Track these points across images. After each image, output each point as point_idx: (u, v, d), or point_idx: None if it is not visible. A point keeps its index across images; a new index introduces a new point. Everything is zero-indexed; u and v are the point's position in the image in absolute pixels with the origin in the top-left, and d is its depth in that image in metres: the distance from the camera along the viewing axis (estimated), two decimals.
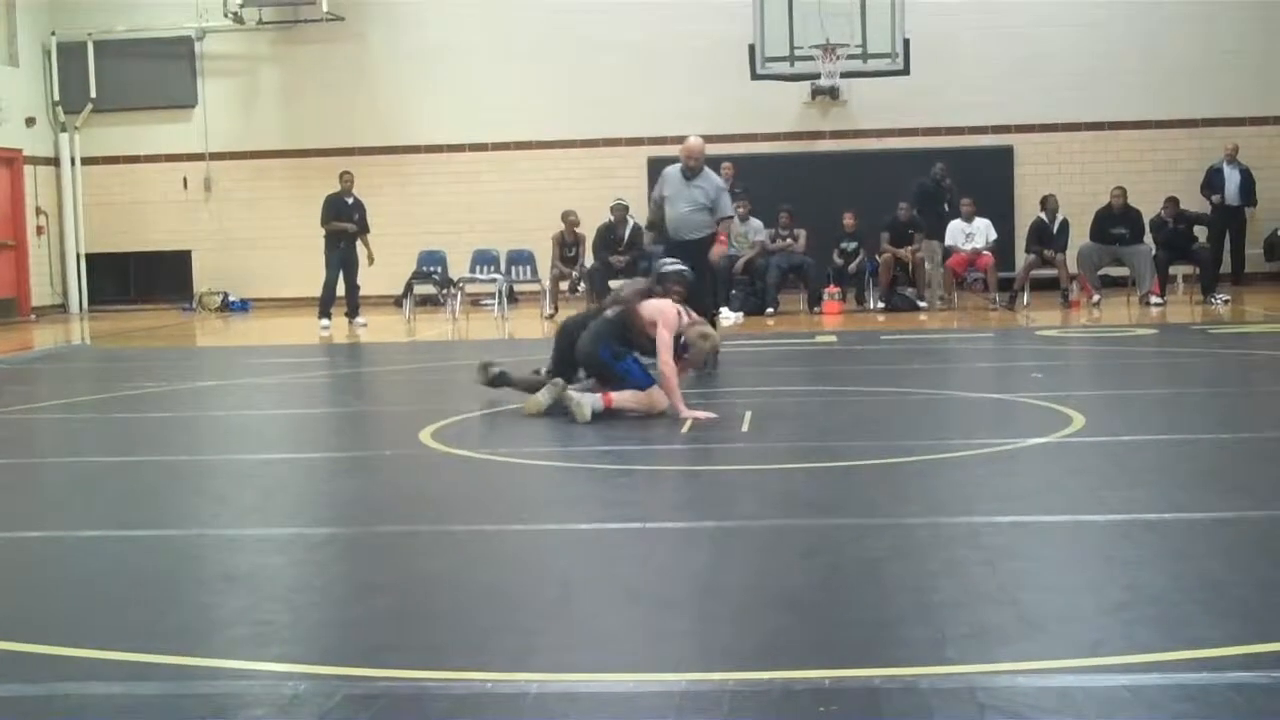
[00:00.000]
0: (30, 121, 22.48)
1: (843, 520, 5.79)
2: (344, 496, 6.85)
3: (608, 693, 3.70)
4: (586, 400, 8.50)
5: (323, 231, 18.38)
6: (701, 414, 8.48)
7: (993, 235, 19.07)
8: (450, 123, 22.23)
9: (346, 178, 18.55)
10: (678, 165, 12.53)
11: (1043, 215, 19.01)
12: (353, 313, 18.24)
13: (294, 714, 3.60)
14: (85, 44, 22.64)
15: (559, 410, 8.58)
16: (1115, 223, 18.52)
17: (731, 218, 12.94)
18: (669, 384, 8.56)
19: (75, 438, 9.25)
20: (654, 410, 8.61)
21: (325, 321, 17.91)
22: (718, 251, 12.12)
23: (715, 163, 20.86)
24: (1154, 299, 17.91)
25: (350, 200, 18.42)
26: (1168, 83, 21.32)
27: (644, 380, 8.65)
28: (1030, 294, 18.64)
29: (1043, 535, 5.52)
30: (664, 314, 8.83)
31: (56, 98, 22.89)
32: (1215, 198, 20.36)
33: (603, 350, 8.80)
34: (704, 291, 11.38)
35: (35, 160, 22.57)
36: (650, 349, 8.78)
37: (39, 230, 22.59)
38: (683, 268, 9.89)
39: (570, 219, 19.28)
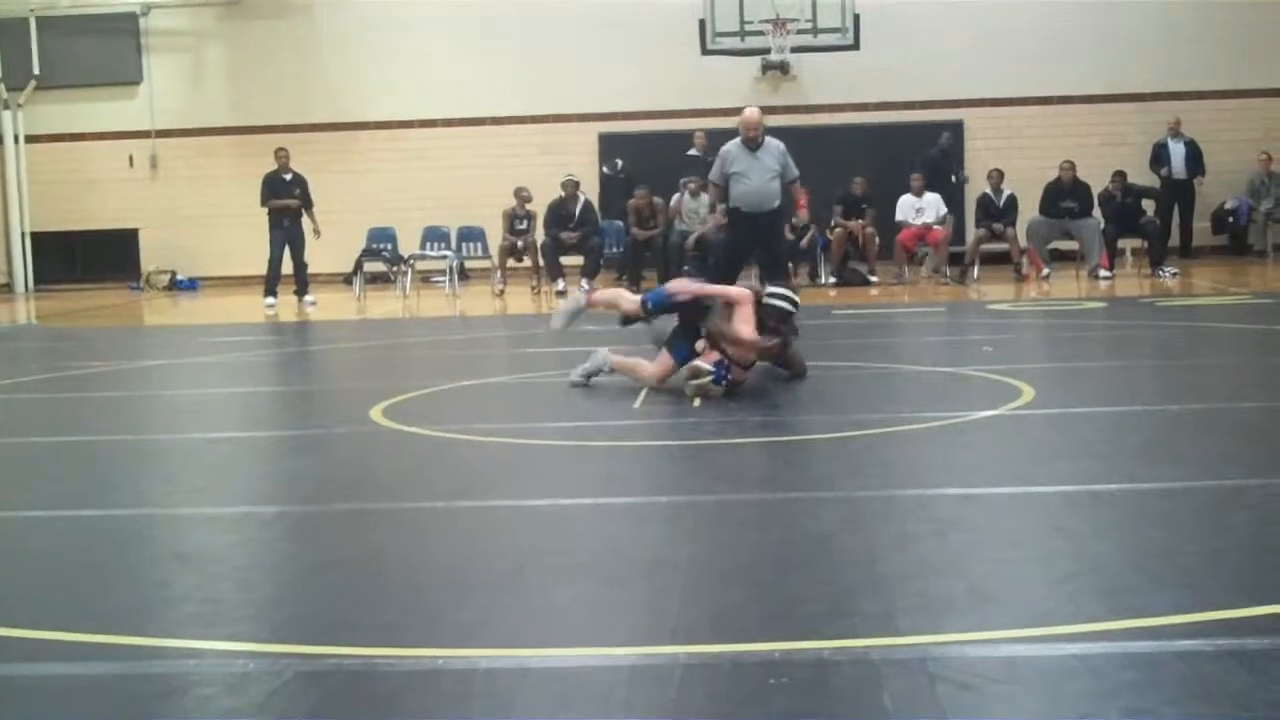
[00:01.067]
0: None
1: (794, 494, 5.81)
2: (294, 474, 6.82)
3: (558, 667, 3.70)
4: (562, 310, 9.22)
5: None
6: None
7: (943, 210, 19.13)
8: (400, 98, 22.10)
9: (281, 154, 18.40)
10: (736, 141, 12.35)
11: (988, 190, 19.12)
12: (302, 291, 18.12)
13: (244, 693, 3.58)
14: (28, 20, 22.32)
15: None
16: (1065, 196, 18.64)
17: (798, 177, 12.72)
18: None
19: (21, 418, 9.16)
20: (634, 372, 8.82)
21: (270, 300, 17.80)
22: (804, 214, 12.39)
23: (698, 137, 20.89)
24: (1103, 272, 18.04)
25: (289, 176, 18.27)
26: (1116, 58, 21.43)
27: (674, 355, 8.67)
28: (980, 268, 18.72)
29: (992, 507, 5.56)
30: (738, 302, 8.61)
31: None
32: (1163, 171, 20.51)
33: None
34: (780, 261, 12.16)
35: None
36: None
37: None
38: (786, 305, 8.84)
39: (522, 194, 19.22)
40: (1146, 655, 3.61)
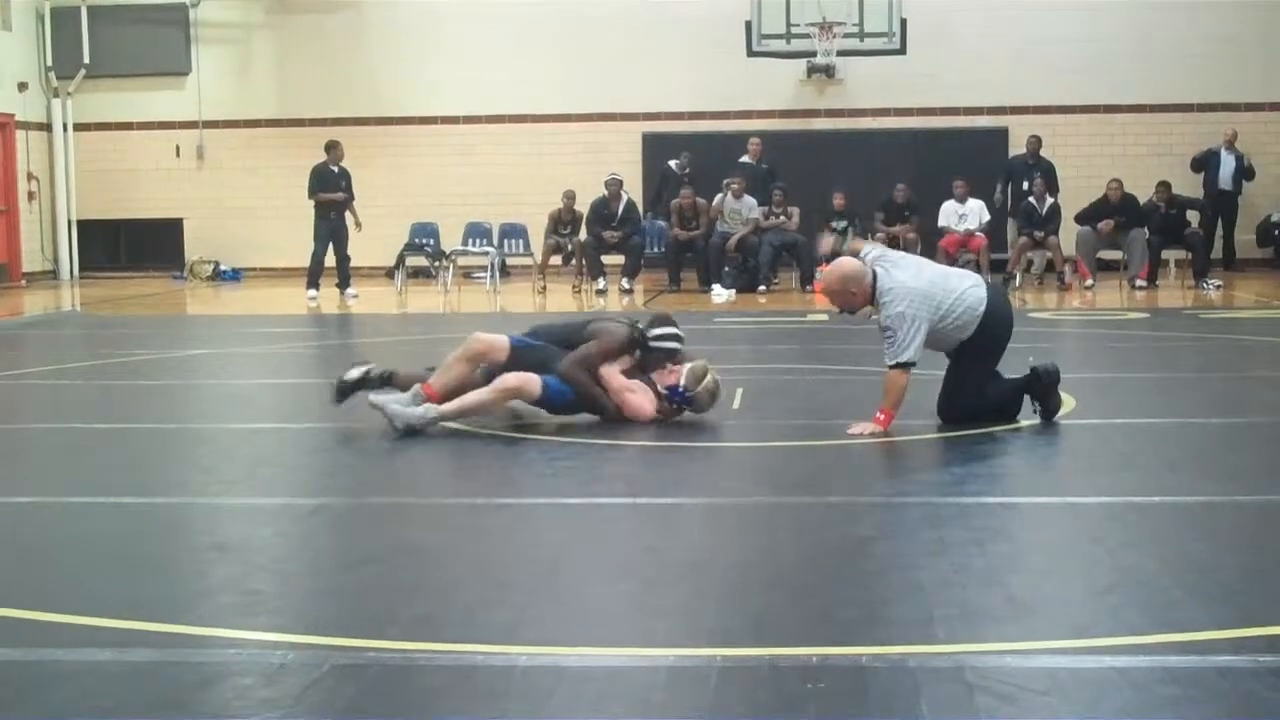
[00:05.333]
0: (23, 86, 22.35)
1: (833, 499, 5.79)
2: (334, 467, 6.84)
3: (596, 667, 3.71)
4: (405, 415, 7.34)
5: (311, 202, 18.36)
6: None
7: (986, 217, 19.06)
8: (445, 94, 22.15)
9: (337, 148, 18.47)
10: None
11: (1032, 199, 19.02)
12: (344, 284, 18.20)
13: (281, 683, 3.60)
14: (79, 9, 22.47)
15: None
16: (1112, 214, 18.48)
17: None
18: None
19: (64, 404, 9.23)
20: (494, 408, 7.60)
21: (313, 292, 17.88)
22: None
23: (731, 140, 20.87)
24: (1139, 282, 17.97)
25: (336, 170, 18.35)
26: (1164, 67, 21.27)
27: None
28: (1023, 276, 18.63)
29: (1032, 517, 5.54)
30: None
31: (49, 63, 22.75)
32: (1204, 151, 20.29)
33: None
34: None
35: (27, 125, 22.44)
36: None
37: (30, 196, 22.48)
38: (673, 345, 7.71)
39: (568, 199, 19.22)
40: (1187, 670, 3.58)
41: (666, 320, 7.86)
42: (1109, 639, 3.85)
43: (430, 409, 7.37)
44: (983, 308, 7.31)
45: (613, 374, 7.59)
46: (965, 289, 7.34)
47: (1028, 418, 7.56)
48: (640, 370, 7.68)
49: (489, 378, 7.53)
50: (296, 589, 4.62)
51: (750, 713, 3.40)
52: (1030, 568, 4.71)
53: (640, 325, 7.78)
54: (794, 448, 7.10)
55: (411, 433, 7.24)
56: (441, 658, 3.75)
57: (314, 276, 18.09)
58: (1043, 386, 7.46)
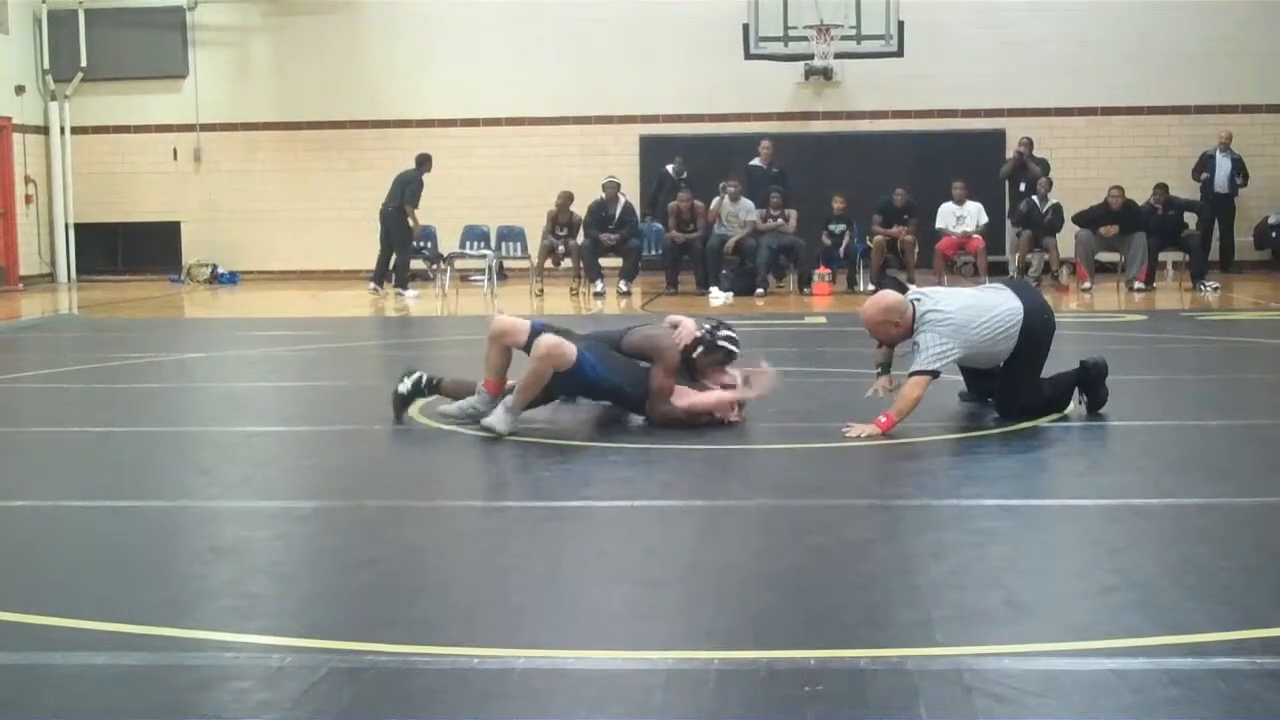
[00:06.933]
0: (20, 90, 22.34)
1: (831, 501, 5.79)
2: (331, 470, 6.83)
3: (594, 669, 3.70)
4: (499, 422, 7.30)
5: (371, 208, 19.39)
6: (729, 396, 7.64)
7: (984, 219, 19.06)
8: (442, 97, 22.16)
9: (430, 160, 19.43)
10: None
11: (1035, 199, 19.03)
12: (381, 279, 19.16)
13: (279, 687, 3.59)
14: (76, 12, 22.48)
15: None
16: (1114, 221, 18.47)
17: None
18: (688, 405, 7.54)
19: (61, 407, 9.22)
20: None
21: (410, 292, 18.64)
22: None
23: (726, 144, 20.88)
24: (1137, 284, 17.99)
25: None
26: (1161, 69, 21.29)
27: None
28: (1021, 278, 18.61)
29: (1031, 519, 5.53)
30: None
31: (46, 66, 22.74)
32: (1203, 175, 20.31)
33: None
34: None
35: (24, 129, 22.44)
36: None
37: (27, 199, 22.48)
38: (733, 348, 7.71)
39: (564, 199, 19.20)
40: (1186, 671, 3.58)
41: (727, 325, 7.91)
42: (1108, 641, 3.85)
43: (514, 407, 7.33)
44: (1020, 319, 7.44)
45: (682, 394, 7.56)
46: (1001, 307, 7.45)
47: (1025, 419, 7.56)
48: (690, 374, 7.67)
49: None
50: (294, 592, 4.61)
51: (748, 715, 3.40)
52: (1029, 570, 4.71)
53: (707, 327, 7.76)
54: (792, 450, 7.09)
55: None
56: (439, 660, 3.74)
57: (406, 275, 19.09)
58: (1091, 380, 7.72)
